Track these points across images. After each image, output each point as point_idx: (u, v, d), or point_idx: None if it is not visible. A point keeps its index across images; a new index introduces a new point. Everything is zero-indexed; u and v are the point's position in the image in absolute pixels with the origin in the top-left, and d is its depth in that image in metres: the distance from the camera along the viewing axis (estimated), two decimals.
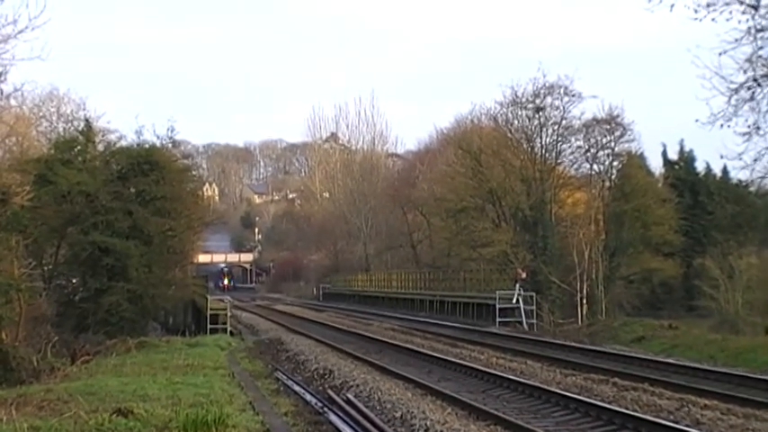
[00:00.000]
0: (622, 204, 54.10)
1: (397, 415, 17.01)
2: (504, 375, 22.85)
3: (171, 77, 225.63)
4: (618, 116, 54.44)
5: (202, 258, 77.66)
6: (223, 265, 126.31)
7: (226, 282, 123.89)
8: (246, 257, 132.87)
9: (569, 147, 56.40)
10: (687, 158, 64.74)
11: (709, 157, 64.92)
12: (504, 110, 57.09)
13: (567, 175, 57.94)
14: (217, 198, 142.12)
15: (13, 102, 39.10)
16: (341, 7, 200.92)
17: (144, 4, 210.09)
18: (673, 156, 64.96)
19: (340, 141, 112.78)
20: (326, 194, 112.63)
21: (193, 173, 50.79)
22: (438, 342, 35.54)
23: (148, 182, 37.67)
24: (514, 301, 47.36)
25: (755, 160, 25.86)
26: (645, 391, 19.93)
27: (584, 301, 51.02)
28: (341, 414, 17.33)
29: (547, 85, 54.41)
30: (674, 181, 61.48)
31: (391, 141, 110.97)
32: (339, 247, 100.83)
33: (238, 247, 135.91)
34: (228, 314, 43.79)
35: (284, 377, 24.27)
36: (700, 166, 64.74)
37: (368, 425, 15.65)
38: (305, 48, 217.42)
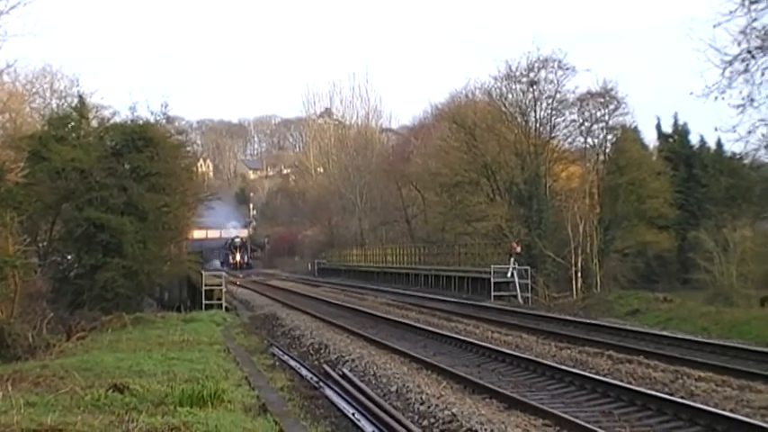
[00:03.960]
0: (617, 178, 54.08)
1: (393, 389, 17.07)
2: (500, 349, 22.94)
3: (164, 53, 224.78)
4: (612, 90, 54.34)
5: (197, 234, 76.90)
6: (234, 236, 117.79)
7: (237, 257, 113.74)
8: (242, 233, 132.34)
9: (563, 120, 56.31)
10: (681, 131, 64.74)
11: (703, 130, 65.01)
12: (499, 84, 56.99)
13: (561, 148, 57.85)
14: (211, 174, 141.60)
15: (6, 78, 39.14)
16: None
17: None
18: (667, 129, 65.02)
19: (334, 117, 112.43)
20: (321, 170, 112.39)
21: (188, 149, 50.63)
22: (433, 316, 35.65)
23: (143, 158, 37.58)
24: (509, 275, 47.40)
25: (749, 132, 25.95)
26: (640, 363, 20.01)
27: (579, 275, 51.06)
28: (337, 389, 17.38)
29: (541, 58, 54.30)
30: (668, 154, 61.42)
31: (385, 116, 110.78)
32: (334, 223, 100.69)
33: (231, 225, 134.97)
34: (224, 290, 43.86)
35: (280, 352, 24.33)
36: (694, 139, 64.84)
37: (364, 399, 15.69)
38: (299, 23, 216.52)
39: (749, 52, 24.72)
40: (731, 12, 24.12)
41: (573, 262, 51.02)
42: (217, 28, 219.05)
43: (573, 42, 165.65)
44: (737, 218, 52.02)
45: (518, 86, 55.82)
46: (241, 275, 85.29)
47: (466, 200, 58.60)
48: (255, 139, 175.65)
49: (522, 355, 21.40)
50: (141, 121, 40.41)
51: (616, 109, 54.72)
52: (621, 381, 17.53)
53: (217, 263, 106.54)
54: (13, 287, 26.03)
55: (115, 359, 19.23)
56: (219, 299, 42.50)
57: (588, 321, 32.61)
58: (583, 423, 13.67)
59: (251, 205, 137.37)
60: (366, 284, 64.77)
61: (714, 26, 24.63)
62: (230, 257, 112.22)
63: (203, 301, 41.60)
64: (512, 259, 47.99)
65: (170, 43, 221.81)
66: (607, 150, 56.42)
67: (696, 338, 26.16)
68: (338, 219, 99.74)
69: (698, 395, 16.13)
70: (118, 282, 35.42)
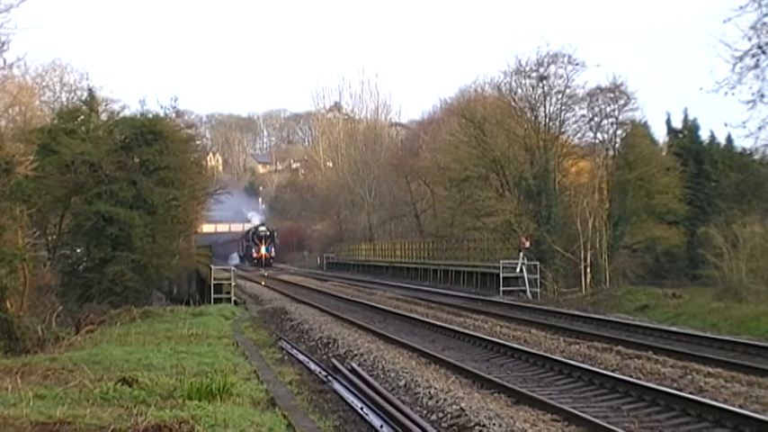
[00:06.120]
0: (626, 173, 54.00)
1: (401, 384, 17.06)
2: (508, 344, 22.94)
3: (174, 47, 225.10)
4: (621, 85, 54.36)
5: (206, 228, 75.79)
6: (258, 224, 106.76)
7: (262, 250, 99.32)
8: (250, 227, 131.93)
9: (573, 115, 56.21)
10: (691, 127, 64.66)
11: (713, 126, 65.21)
12: (508, 79, 56.86)
13: (570, 143, 57.77)
14: (221, 168, 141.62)
15: (16, 71, 39.12)
16: None
17: None
18: (677, 124, 64.97)
19: (343, 111, 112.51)
20: (330, 164, 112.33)
21: (197, 142, 50.74)
22: (442, 311, 35.64)
23: (152, 151, 37.56)
24: (518, 270, 47.40)
25: (760, 128, 25.87)
26: (648, 359, 19.99)
27: (588, 270, 51.04)
28: (345, 383, 17.37)
29: (550, 53, 54.21)
30: (677, 149, 61.34)
31: (395, 111, 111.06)
32: (343, 217, 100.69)
33: (242, 217, 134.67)
34: (233, 284, 43.89)
35: (288, 346, 24.34)
36: (704, 135, 64.81)
37: (372, 393, 15.68)
38: (308, 17, 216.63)
39: (759, 48, 24.67)
40: (741, 7, 24.08)
41: (582, 257, 50.99)
42: (226, 22, 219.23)
43: (583, 38, 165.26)
44: (747, 214, 51.90)
45: (528, 81, 55.80)
46: (266, 273, 78.10)
47: (475, 195, 58.49)
48: (265, 133, 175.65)
49: (531, 350, 21.38)
50: (151, 115, 40.48)
51: (626, 104, 54.72)
52: (630, 376, 17.50)
53: (234, 257, 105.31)
54: (23, 280, 26.05)
55: (124, 352, 19.26)
56: (228, 293, 42.56)
57: (597, 317, 32.60)
58: (591, 418, 13.66)
59: (260, 199, 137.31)
60: (375, 279, 64.81)
61: (724, 21, 24.60)
62: (253, 251, 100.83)
63: (212, 295, 41.65)
64: (521, 254, 47.96)
65: (180, 37, 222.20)
66: (616, 146, 56.36)
67: (705, 334, 26.17)
68: (347, 213, 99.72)
69: (707, 391, 16.11)
70: (127, 275, 35.44)
